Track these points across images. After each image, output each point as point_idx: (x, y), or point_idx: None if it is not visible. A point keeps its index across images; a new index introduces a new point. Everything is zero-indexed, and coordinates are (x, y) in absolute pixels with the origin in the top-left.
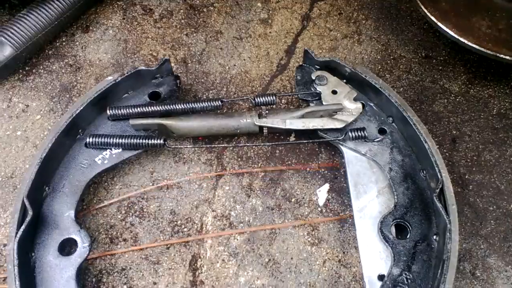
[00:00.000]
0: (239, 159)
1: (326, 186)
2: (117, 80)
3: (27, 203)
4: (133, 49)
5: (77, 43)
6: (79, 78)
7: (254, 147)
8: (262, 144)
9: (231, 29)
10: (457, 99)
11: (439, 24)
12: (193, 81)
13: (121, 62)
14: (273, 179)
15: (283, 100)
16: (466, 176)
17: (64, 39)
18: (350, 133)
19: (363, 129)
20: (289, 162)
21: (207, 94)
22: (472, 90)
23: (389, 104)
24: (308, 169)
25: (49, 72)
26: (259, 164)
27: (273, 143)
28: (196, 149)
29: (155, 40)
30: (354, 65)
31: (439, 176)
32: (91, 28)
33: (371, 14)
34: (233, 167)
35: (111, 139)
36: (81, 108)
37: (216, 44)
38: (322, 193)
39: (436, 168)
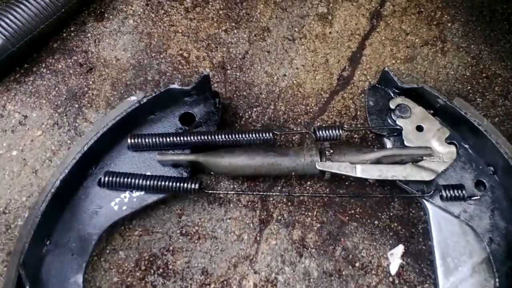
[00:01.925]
0: (289, 204)
1: (400, 248)
2: (142, 102)
3: (23, 274)
4: (158, 46)
5: (89, 34)
6: (91, 82)
7: (308, 188)
8: (324, 194)
9: (281, 26)
10: None
11: None
12: (232, 93)
13: (144, 64)
14: (332, 233)
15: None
16: None
17: (72, 29)
18: (443, 192)
19: (460, 187)
20: (353, 211)
21: (250, 112)
22: None
23: (493, 152)
24: (376, 222)
25: (53, 72)
26: (315, 212)
27: (337, 195)
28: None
29: (186, 36)
30: (439, 87)
31: None
32: (106, 15)
33: (458, 14)
34: (281, 214)
35: (132, 180)
36: (95, 138)
37: (262, 46)
38: (395, 257)
39: None
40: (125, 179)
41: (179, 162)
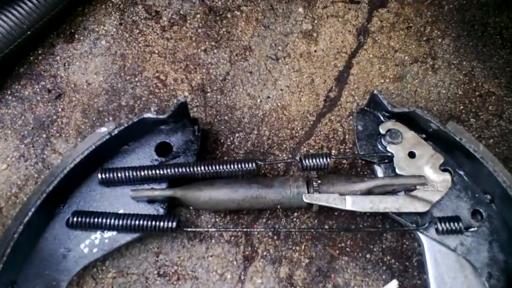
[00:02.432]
0: (275, 238)
1: (394, 284)
2: (113, 134)
3: None
4: (133, 68)
5: (58, 58)
6: (60, 109)
7: (295, 220)
8: (313, 229)
9: (263, 45)
10: None
11: None
12: (213, 118)
13: (117, 88)
14: (321, 269)
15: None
16: None
17: (40, 52)
18: (439, 225)
19: (456, 219)
20: (343, 244)
21: (232, 138)
22: None
23: (490, 179)
24: (368, 255)
25: (19, 99)
26: (303, 246)
27: (326, 229)
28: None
29: (163, 57)
30: (431, 107)
31: None
32: (76, 36)
33: (448, 29)
34: (267, 249)
35: (103, 219)
36: (62, 175)
37: (244, 66)
38: None
39: None
40: (95, 219)
41: (155, 198)
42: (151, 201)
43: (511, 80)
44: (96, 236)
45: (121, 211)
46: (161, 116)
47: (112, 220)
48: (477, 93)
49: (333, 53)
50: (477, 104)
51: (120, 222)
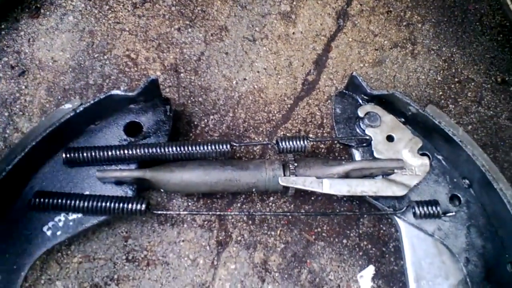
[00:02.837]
0: (249, 222)
1: (371, 270)
2: (78, 111)
3: None
4: (102, 46)
5: (22, 33)
6: (23, 87)
7: (270, 204)
8: (289, 213)
9: (240, 25)
10: None
11: None
12: (186, 99)
13: (85, 66)
14: (297, 254)
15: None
16: None
17: (3, 27)
18: (416, 209)
19: (434, 203)
20: (319, 229)
21: (206, 120)
22: None
23: (468, 164)
24: (345, 240)
25: None
26: (278, 231)
27: (302, 213)
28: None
29: (134, 35)
30: (410, 92)
31: None
32: (42, 11)
33: (429, 15)
34: (241, 234)
35: (67, 200)
36: (23, 154)
37: (220, 47)
38: (365, 280)
39: None
40: (59, 200)
41: (123, 179)
42: (119, 182)
43: (490, 67)
44: (60, 218)
45: (87, 192)
46: (130, 93)
47: (77, 202)
48: (456, 79)
49: (312, 36)
50: (456, 90)
51: (85, 204)
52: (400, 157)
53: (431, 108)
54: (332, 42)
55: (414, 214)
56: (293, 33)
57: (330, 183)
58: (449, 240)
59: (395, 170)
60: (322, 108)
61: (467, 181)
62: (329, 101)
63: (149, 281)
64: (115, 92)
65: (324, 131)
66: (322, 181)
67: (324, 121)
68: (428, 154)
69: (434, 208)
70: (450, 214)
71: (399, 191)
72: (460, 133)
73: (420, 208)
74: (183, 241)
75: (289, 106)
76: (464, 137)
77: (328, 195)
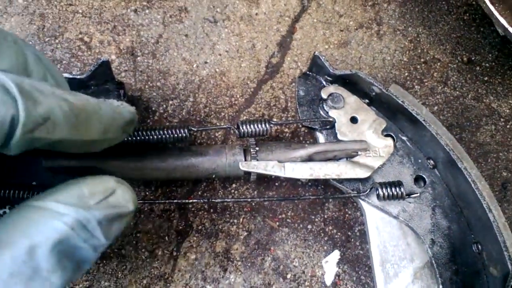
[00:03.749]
0: (211, 211)
1: (336, 254)
2: None
3: None
4: (53, 29)
5: None
6: None
7: (233, 191)
8: (250, 199)
9: (200, 6)
10: (508, 126)
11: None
12: (144, 84)
13: None
14: (260, 242)
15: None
16: None
17: None
18: (380, 191)
19: (398, 184)
20: (283, 215)
21: (165, 106)
22: None
23: (432, 143)
24: (309, 226)
25: None
26: (241, 219)
27: (264, 199)
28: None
29: (87, 17)
30: (375, 74)
31: (510, 267)
32: None
33: None
34: (202, 223)
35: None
36: None
37: (179, 29)
38: (330, 265)
39: (505, 253)
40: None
41: (72, 167)
42: (68, 171)
43: (457, 46)
44: (6, 211)
45: (34, 183)
46: (79, 76)
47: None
48: (422, 60)
49: (276, 17)
50: (422, 71)
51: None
52: (364, 139)
53: (394, 88)
54: (297, 23)
55: (378, 196)
56: (256, 14)
57: (293, 167)
58: (414, 221)
59: (359, 152)
60: (286, 91)
61: (431, 162)
62: (293, 84)
63: (103, 274)
64: (65, 75)
65: (289, 115)
66: (284, 165)
67: (289, 104)
68: (393, 135)
69: (397, 189)
70: (414, 195)
71: (362, 173)
72: (424, 112)
73: (384, 190)
74: (140, 232)
75: (252, 89)
76: (428, 116)
77: (292, 180)
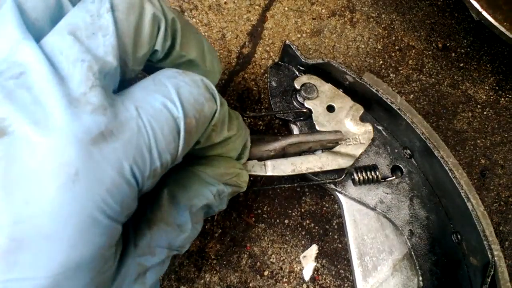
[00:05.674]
0: None
1: (314, 249)
2: None
3: None
4: None
5: None
6: None
7: None
8: None
9: None
10: (485, 112)
11: None
12: None
13: None
14: (236, 239)
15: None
16: (501, 228)
17: None
18: (355, 175)
19: (373, 167)
20: (259, 211)
21: None
22: (503, 99)
23: (408, 132)
24: (286, 221)
25: None
26: (215, 216)
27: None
28: None
29: None
30: (349, 63)
31: (489, 256)
32: None
33: None
34: None
35: None
36: None
37: None
38: (308, 259)
39: (485, 242)
40: None
41: None
42: None
43: (431, 33)
44: None
45: None
46: None
47: None
48: (396, 47)
49: (245, 6)
50: (397, 59)
51: None
52: (343, 127)
53: (368, 76)
54: (268, 12)
55: (353, 181)
56: (225, 2)
57: (274, 165)
58: (391, 213)
59: (339, 142)
60: (259, 82)
61: (408, 151)
62: (266, 74)
63: None
64: None
65: (262, 107)
66: (265, 163)
67: (262, 96)
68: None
69: (373, 172)
70: (390, 178)
71: (345, 163)
72: (399, 100)
73: (359, 174)
74: None
75: (223, 81)
76: (403, 104)
77: (274, 178)
